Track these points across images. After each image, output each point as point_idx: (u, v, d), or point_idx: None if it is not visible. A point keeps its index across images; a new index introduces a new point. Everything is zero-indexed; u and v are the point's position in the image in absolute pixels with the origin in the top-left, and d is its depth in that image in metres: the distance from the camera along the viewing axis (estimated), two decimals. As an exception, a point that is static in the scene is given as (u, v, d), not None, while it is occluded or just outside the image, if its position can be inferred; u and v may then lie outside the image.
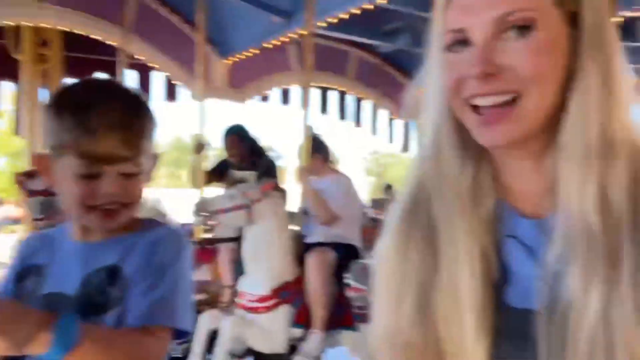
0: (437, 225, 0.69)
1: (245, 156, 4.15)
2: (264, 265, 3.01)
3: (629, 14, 3.60)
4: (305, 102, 3.68)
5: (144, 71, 5.65)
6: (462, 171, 0.68)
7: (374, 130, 7.54)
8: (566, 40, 0.60)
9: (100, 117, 0.89)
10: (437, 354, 0.68)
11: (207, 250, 3.77)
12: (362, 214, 4.05)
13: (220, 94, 5.74)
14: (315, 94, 6.77)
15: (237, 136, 4.19)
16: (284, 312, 3.01)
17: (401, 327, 0.69)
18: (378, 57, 6.72)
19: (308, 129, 3.56)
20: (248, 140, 4.20)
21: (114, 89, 0.98)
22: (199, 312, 3.15)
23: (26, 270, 1.00)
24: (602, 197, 0.59)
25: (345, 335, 3.19)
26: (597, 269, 0.57)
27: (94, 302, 0.92)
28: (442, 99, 0.67)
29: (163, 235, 0.98)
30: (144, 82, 5.73)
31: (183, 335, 0.95)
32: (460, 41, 0.62)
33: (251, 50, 5.60)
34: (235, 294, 3.19)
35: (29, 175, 3.23)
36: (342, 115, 7.16)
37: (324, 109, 6.96)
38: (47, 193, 3.10)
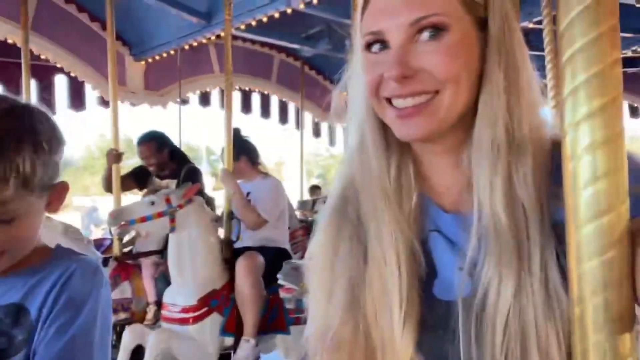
0: (365, 221, 0.70)
1: (165, 164, 3.96)
2: (190, 274, 2.89)
3: (530, 25, 3.87)
4: (227, 105, 3.59)
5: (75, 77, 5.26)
6: (386, 167, 0.70)
7: (315, 132, 7.62)
8: (477, 44, 0.64)
9: None
10: (367, 349, 0.69)
11: (126, 266, 3.54)
12: (290, 216, 4.02)
13: (137, 98, 5.47)
14: (256, 99, 6.73)
15: (154, 143, 3.98)
16: (213, 321, 2.91)
17: (332, 323, 0.70)
18: (300, 61, 6.76)
19: (233, 131, 3.48)
20: (166, 147, 4.01)
21: None
22: (121, 332, 2.96)
23: None
24: (510, 193, 0.62)
25: (279, 339, 3.14)
26: (508, 262, 0.60)
27: None
28: (365, 97, 0.69)
29: (74, 268, 0.86)
30: (77, 88, 5.33)
31: None
32: (379, 41, 0.64)
33: (168, 51, 5.40)
34: (160, 309, 3.03)
35: None
36: (284, 119, 7.16)
37: (265, 113, 6.92)
38: None
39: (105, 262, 3.39)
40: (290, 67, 6.75)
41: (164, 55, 5.46)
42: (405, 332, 0.66)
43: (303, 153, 7.36)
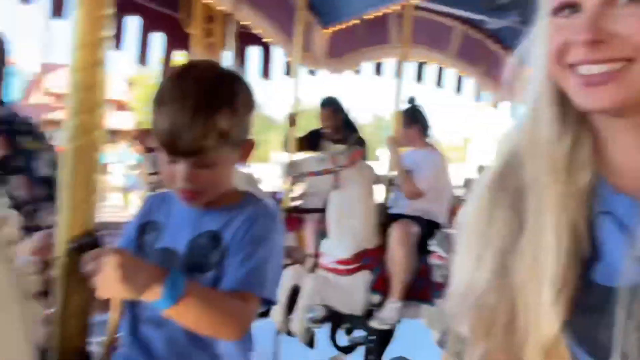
0: (527, 193, 0.68)
1: (338, 129, 4.25)
2: (347, 230, 3.10)
3: None
4: (400, 75, 3.66)
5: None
6: (559, 140, 0.67)
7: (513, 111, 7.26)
8: None
9: (171, 116, 0.98)
10: (509, 316, 0.68)
11: (294, 219, 3.90)
12: (452, 193, 3.98)
13: (319, 64, 5.82)
14: (451, 76, 6.69)
15: (332, 108, 4.29)
16: (363, 277, 3.10)
17: (477, 288, 0.70)
18: (483, 34, 6.42)
19: (408, 100, 3.58)
20: (341, 113, 4.29)
21: (195, 82, 1.02)
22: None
23: (147, 224, 1.15)
24: None
25: (424, 308, 3.21)
26: None
27: (197, 261, 1.05)
28: (543, 66, 0.66)
29: (260, 211, 1.08)
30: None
31: (268, 304, 1.06)
32: (569, 6, 0.61)
33: (352, 20, 5.62)
34: (317, 260, 3.31)
35: (148, 132, 3.58)
36: (478, 96, 7.01)
37: (458, 89, 6.85)
38: None
39: None
40: (472, 40, 6.47)
41: (349, 24, 5.69)
42: (553, 310, 0.64)
43: (487, 130, 7.07)
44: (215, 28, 5.48)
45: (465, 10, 5.54)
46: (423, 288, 3.15)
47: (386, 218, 3.30)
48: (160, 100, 1.01)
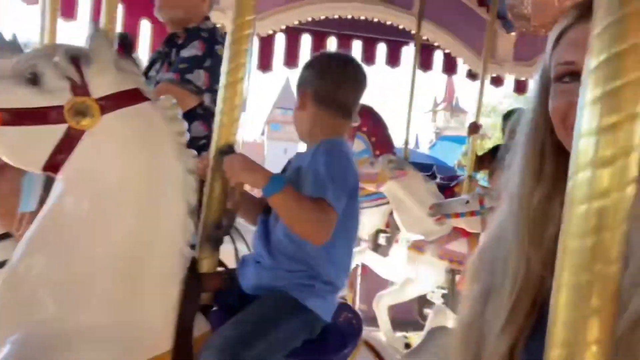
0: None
1: None
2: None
3: None
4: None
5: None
6: (531, 194, 0.73)
7: None
8: None
9: None
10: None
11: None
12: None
13: (504, 69, 5.43)
14: None
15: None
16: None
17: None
18: None
19: None
20: None
21: None
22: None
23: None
24: None
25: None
26: None
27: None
28: (529, 125, 0.75)
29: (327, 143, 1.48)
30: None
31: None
32: (570, 73, 0.66)
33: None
34: None
35: None
36: None
37: None
38: None
39: None
40: None
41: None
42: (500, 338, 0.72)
43: None
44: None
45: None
46: None
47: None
48: None
